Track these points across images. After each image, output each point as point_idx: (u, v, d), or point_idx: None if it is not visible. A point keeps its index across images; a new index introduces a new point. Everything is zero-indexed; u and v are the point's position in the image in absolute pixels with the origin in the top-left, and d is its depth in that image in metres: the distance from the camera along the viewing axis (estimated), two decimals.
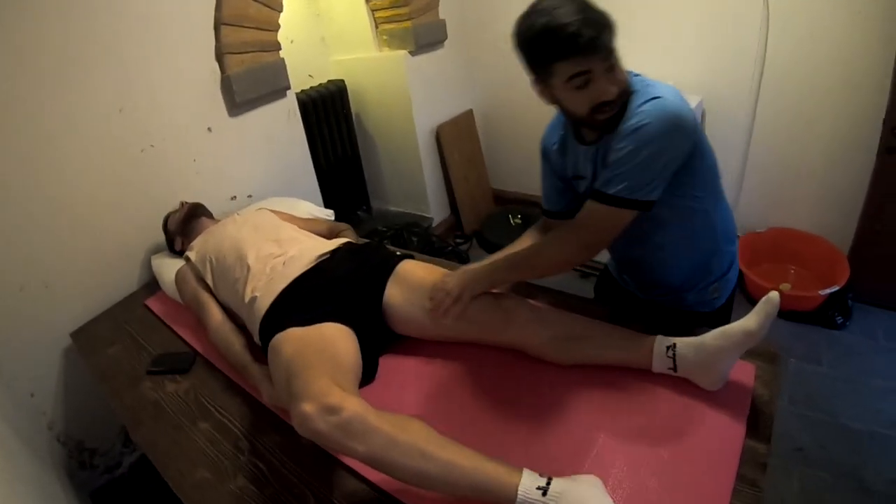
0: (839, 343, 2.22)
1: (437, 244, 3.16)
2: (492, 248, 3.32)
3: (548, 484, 0.83)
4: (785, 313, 2.37)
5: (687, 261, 1.27)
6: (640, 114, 1.02)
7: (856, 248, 2.37)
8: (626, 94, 1.05)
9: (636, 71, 1.10)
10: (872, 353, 2.15)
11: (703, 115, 2.62)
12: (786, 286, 2.46)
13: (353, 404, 0.89)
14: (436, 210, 3.51)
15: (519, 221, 3.44)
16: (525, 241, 1.38)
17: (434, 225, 3.50)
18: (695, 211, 1.18)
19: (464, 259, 3.12)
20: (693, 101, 2.48)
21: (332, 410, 0.87)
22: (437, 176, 3.47)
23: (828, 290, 2.22)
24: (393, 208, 3.68)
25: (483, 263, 1.29)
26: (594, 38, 0.95)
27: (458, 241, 3.48)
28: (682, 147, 1.05)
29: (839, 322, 2.28)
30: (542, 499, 0.81)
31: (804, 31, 2.24)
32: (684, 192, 1.12)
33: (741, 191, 2.71)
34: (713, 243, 1.26)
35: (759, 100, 2.45)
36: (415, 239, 3.15)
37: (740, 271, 2.38)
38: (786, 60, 2.33)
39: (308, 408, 0.88)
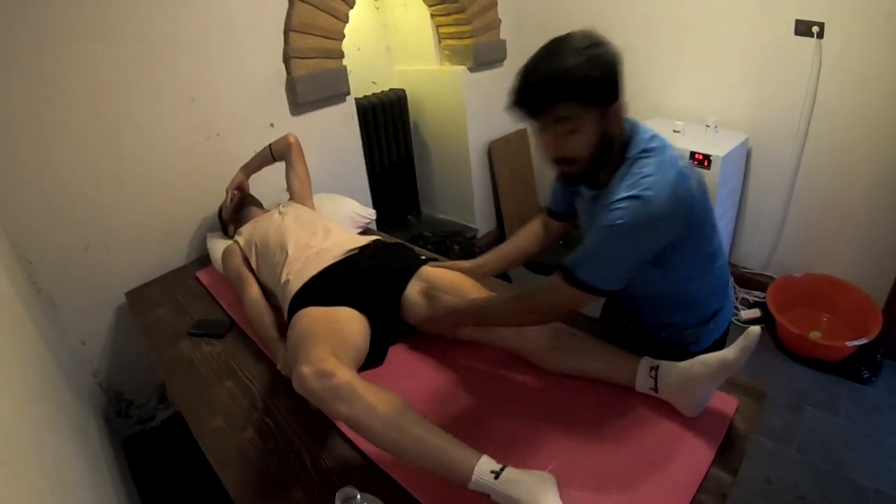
0: (861, 397, 2.18)
1: (478, 255, 3.20)
2: (530, 266, 3.39)
3: (501, 470, 0.93)
4: (811, 361, 2.35)
5: (656, 308, 1.28)
6: (618, 211, 0.99)
7: (891, 302, 2.31)
8: (608, 155, 1.06)
9: (657, 122, 1.07)
10: (894, 412, 2.09)
11: (748, 154, 2.63)
12: (816, 334, 2.42)
13: (344, 373, 1.02)
14: (482, 222, 3.60)
15: (560, 243, 3.46)
16: (523, 235, 1.60)
17: (479, 236, 3.58)
18: (673, 281, 1.17)
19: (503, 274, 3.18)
20: (738, 140, 2.50)
21: (325, 374, 1.01)
22: (486, 189, 3.55)
23: (856, 342, 2.18)
24: (441, 216, 3.80)
25: (467, 304, 1.32)
26: (539, 102, 1.01)
27: None
28: (660, 242, 1.05)
29: (865, 376, 2.23)
30: (494, 482, 0.91)
31: (856, 74, 2.22)
32: (664, 273, 1.14)
33: (782, 232, 2.69)
34: (689, 300, 1.26)
35: (807, 141, 2.44)
36: (456, 247, 3.22)
37: (770, 315, 2.39)
38: (835, 103, 2.30)
39: (306, 370, 1.02)
